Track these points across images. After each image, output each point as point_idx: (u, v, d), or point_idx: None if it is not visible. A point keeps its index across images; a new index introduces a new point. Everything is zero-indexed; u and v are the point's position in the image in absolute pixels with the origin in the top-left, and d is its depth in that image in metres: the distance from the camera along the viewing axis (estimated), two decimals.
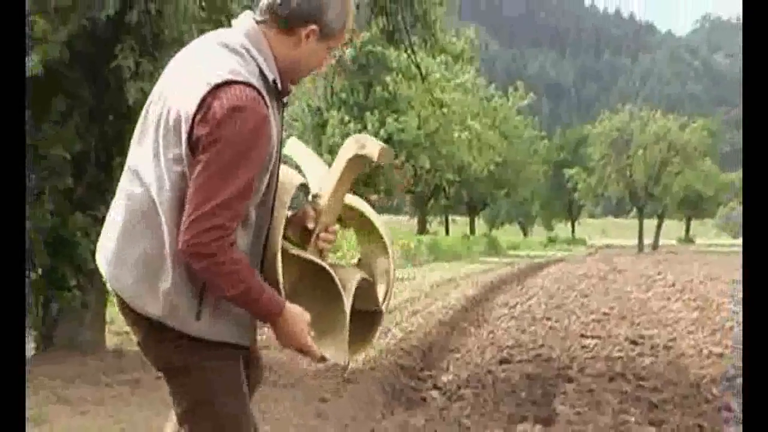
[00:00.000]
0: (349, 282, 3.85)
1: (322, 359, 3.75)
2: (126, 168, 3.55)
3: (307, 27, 3.52)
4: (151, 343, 3.56)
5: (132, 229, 3.43)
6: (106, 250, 3.54)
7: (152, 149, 3.40)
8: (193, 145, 3.29)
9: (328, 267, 3.83)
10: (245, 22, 3.56)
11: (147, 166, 3.41)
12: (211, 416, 3.59)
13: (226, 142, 3.24)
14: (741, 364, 10.46)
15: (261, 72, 3.49)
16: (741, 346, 11.90)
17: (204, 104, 3.27)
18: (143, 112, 3.56)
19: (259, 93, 3.38)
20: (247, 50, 3.48)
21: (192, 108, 3.28)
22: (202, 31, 9.71)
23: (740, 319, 15.04)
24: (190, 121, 3.28)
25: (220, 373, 3.62)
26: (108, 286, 3.59)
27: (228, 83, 3.30)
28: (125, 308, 3.55)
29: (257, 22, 3.55)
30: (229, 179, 3.26)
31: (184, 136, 3.29)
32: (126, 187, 3.50)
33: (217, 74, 3.32)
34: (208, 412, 3.59)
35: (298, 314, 3.56)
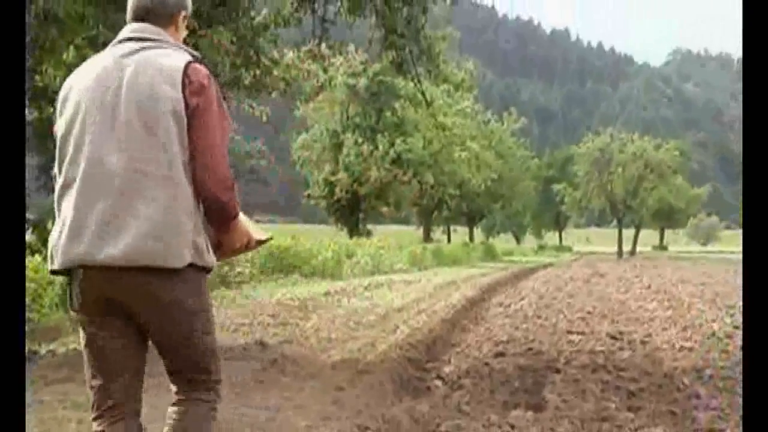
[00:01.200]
0: None
1: (258, 241, 4.16)
2: (117, 170, 3.63)
3: (180, 14, 4.05)
4: (184, 292, 3.74)
5: (164, 211, 3.61)
6: (126, 242, 3.58)
7: (153, 141, 3.65)
8: (189, 114, 3.67)
9: None
10: (144, 27, 3.91)
11: (149, 157, 3.63)
12: (211, 344, 3.94)
13: (214, 104, 3.74)
14: (709, 357, 10.45)
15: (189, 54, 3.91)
16: (709, 340, 11.90)
17: (185, 81, 3.68)
18: (92, 118, 3.71)
19: None
20: (170, 44, 3.91)
21: (178, 90, 3.66)
22: (233, 63, 9.80)
23: (709, 316, 15.04)
24: (182, 98, 3.66)
25: (211, 305, 4.01)
26: (133, 262, 3.60)
27: (191, 63, 3.77)
28: (153, 282, 3.66)
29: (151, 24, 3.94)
30: (223, 130, 3.78)
31: (181, 111, 3.65)
32: (131, 181, 3.62)
33: (180, 60, 3.76)
34: (211, 344, 3.94)
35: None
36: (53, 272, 3.80)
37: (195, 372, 3.90)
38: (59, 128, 3.79)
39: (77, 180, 3.65)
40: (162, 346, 3.87)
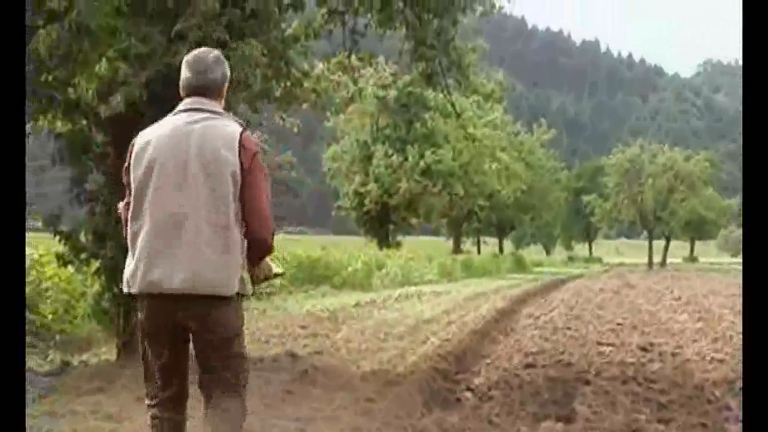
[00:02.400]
0: None
1: (276, 274, 5.06)
2: (185, 218, 4.52)
3: (224, 86, 4.87)
4: (232, 315, 4.64)
5: (222, 253, 4.52)
6: (193, 275, 4.48)
7: (216, 197, 4.52)
8: (243, 174, 4.55)
9: None
10: (202, 101, 4.73)
11: (212, 210, 4.51)
12: (244, 358, 4.80)
13: (260, 165, 4.66)
14: (740, 369, 10.37)
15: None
16: (740, 352, 11.81)
17: (240, 149, 4.56)
18: (171, 171, 4.57)
19: None
20: (223, 114, 4.78)
21: (235, 153, 4.55)
22: (264, 75, 9.82)
23: (740, 328, 14.92)
24: (238, 161, 4.54)
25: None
26: (196, 290, 4.50)
27: (243, 132, 4.66)
28: (211, 307, 4.55)
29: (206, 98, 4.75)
30: (267, 186, 4.71)
31: (237, 173, 4.54)
32: (197, 228, 4.50)
33: (235, 129, 4.64)
34: (243, 357, 4.80)
35: None
36: (128, 295, 4.74)
37: (229, 378, 4.69)
38: (136, 178, 4.62)
39: (153, 224, 4.54)
40: (206, 353, 4.67)
